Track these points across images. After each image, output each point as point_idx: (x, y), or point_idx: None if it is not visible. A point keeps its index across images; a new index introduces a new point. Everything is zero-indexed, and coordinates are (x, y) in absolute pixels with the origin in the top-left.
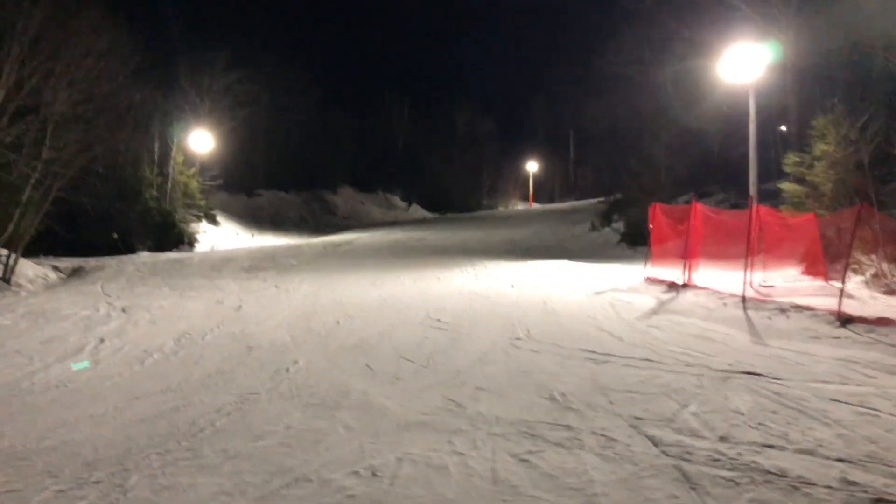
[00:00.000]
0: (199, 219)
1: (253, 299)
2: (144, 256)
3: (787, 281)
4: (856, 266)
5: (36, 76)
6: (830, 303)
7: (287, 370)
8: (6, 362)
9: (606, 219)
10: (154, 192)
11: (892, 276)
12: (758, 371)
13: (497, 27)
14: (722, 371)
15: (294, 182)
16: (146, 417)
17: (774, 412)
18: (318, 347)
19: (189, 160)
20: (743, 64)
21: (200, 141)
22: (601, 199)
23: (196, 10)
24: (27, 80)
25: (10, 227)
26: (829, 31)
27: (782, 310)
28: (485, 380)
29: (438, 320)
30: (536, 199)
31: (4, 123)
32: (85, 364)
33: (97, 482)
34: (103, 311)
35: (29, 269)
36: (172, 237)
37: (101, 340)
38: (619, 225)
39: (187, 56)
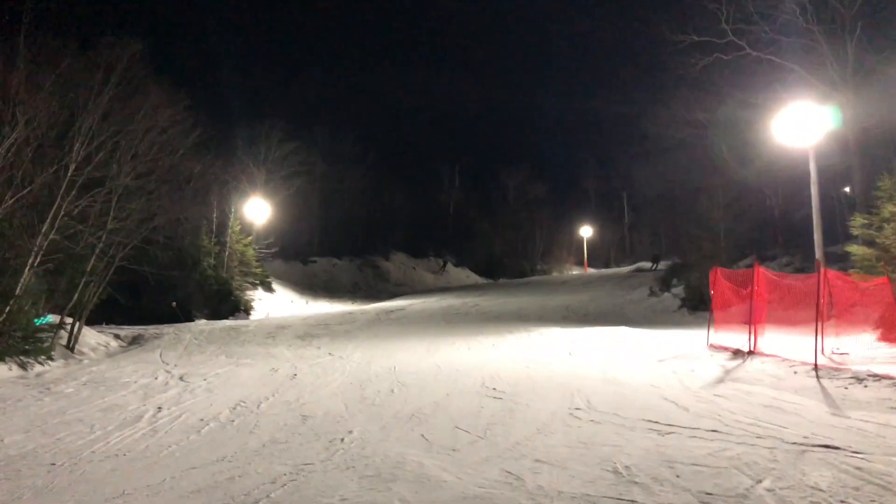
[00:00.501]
0: (254, 286)
1: (307, 367)
2: (201, 324)
3: (862, 348)
4: None
5: (103, 151)
6: None
7: (342, 440)
8: (68, 430)
9: (665, 283)
10: (212, 261)
11: None
12: (836, 444)
13: (548, 92)
14: (797, 444)
15: (347, 249)
16: (202, 488)
17: (857, 489)
18: (373, 417)
19: (245, 228)
20: (801, 126)
21: (256, 210)
22: (652, 264)
23: (254, 83)
24: (95, 154)
25: (76, 296)
26: (889, 90)
27: (859, 378)
28: (544, 452)
29: (495, 389)
30: (591, 264)
31: (73, 196)
32: None
33: None
34: (161, 378)
35: (91, 338)
36: (229, 305)
37: (159, 408)
38: (679, 290)
39: (245, 128)
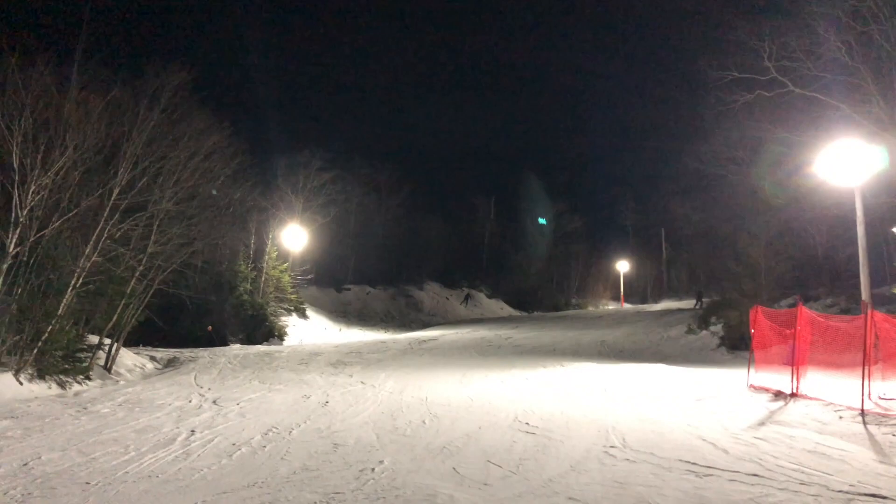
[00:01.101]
0: (288, 312)
1: (339, 395)
2: (236, 349)
3: None
4: None
5: (147, 176)
6: None
7: (372, 469)
8: (103, 450)
9: (704, 321)
10: (248, 286)
11: None
12: (884, 494)
13: (587, 125)
14: (843, 492)
15: (381, 278)
16: None
17: None
18: (404, 447)
19: (282, 255)
20: (848, 165)
21: (293, 237)
22: (693, 303)
23: (295, 112)
24: (139, 179)
25: (114, 318)
26: None
27: None
28: (578, 490)
29: (528, 423)
30: (628, 300)
31: (116, 219)
32: None
33: None
34: (195, 402)
35: (128, 359)
36: (263, 330)
37: (192, 432)
38: (718, 328)
39: (285, 156)
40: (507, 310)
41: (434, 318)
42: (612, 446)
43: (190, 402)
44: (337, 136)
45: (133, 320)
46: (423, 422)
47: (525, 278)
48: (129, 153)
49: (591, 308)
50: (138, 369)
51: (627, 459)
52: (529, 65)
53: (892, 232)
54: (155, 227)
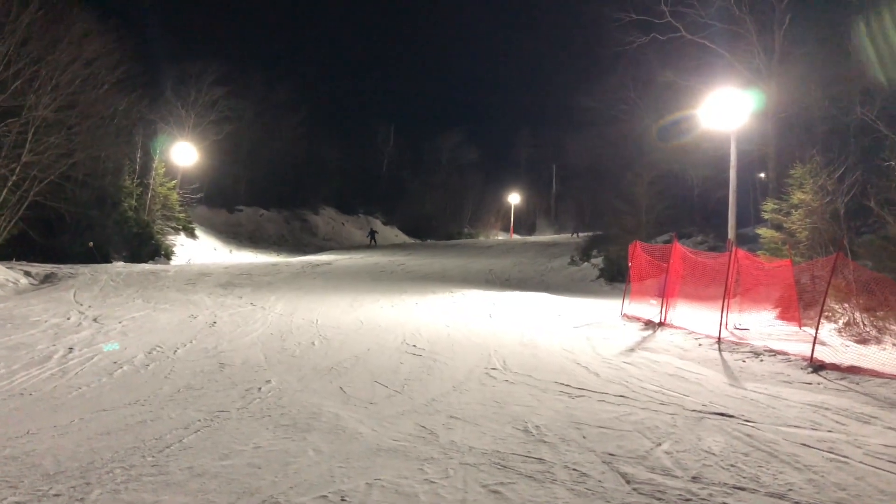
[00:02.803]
0: (176, 231)
1: (227, 316)
2: (119, 266)
3: (761, 325)
4: (829, 314)
5: (21, 79)
6: (803, 348)
7: (259, 389)
8: None
9: (585, 254)
10: (133, 203)
11: (864, 325)
12: (731, 413)
13: (486, 56)
14: (695, 411)
15: (275, 200)
16: (112, 430)
17: (746, 454)
18: (292, 368)
19: (170, 172)
20: (725, 111)
21: (183, 153)
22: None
23: (187, 22)
24: (11, 81)
25: None
26: (809, 83)
27: (756, 353)
28: (459, 409)
29: (415, 346)
30: (517, 231)
31: None
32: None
33: (57, 495)
34: (74, 319)
35: (0, 273)
36: (149, 249)
37: (70, 349)
38: (598, 260)
39: (175, 67)
40: (402, 237)
41: (329, 244)
42: (493, 368)
43: (68, 319)
44: (233, 50)
45: (5, 232)
46: (313, 343)
47: (421, 206)
48: (0, 52)
49: (482, 238)
50: (11, 284)
51: (507, 381)
52: None
53: (760, 178)
54: (30, 135)
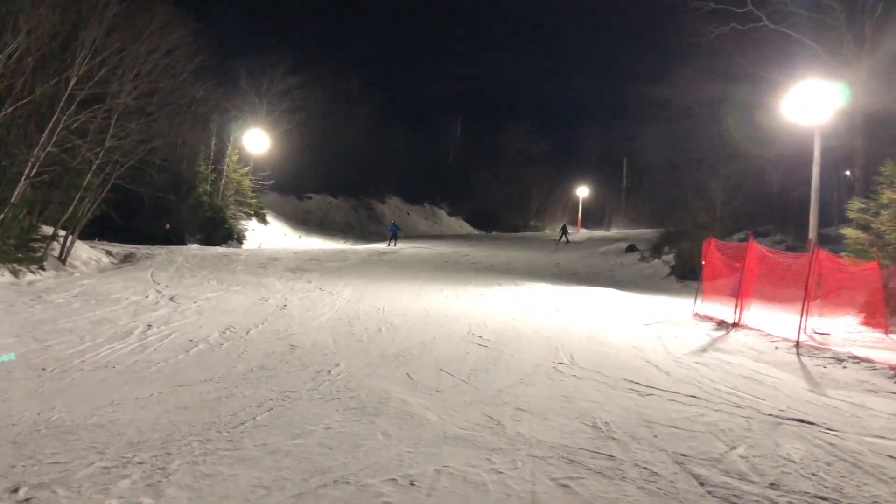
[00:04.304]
0: (248, 216)
1: (297, 299)
2: (194, 249)
3: (844, 330)
4: None
5: (106, 67)
6: (890, 356)
7: (328, 372)
8: (58, 339)
9: (657, 250)
10: (207, 188)
11: None
12: (811, 420)
13: (557, 49)
14: (772, 416)
15: (344, 188)
16: (189, 405)
17: (829, 464)
18: (360, 353)
19: (243, 159)
20: (810, 104)
21: (256, 141)
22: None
23: (263, 13)
24: (97, 70)
25: (70, 210)
26: None
27: (838, 359)
28: (526, 401)
29: (481, 337)
30: (585, 225)
31: (73, 110)
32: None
33: (140, 463)
34: (152, 297)
35: (83, 252)
36: (222, 232)
37: (149, 326)
38: (670, 257)
39: (250, 57)
40: (467, 228)
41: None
42: (560, 363)
43: (147, 297)
44: (306, 42)
45: (89, 213)
46: (380, 329)
47: (487, 198)
48: (88, 41)
49: (548, 231)
50: (94, 262)
51: (574, 376)
52: None
53: (846, 175)
54: (113, 121)
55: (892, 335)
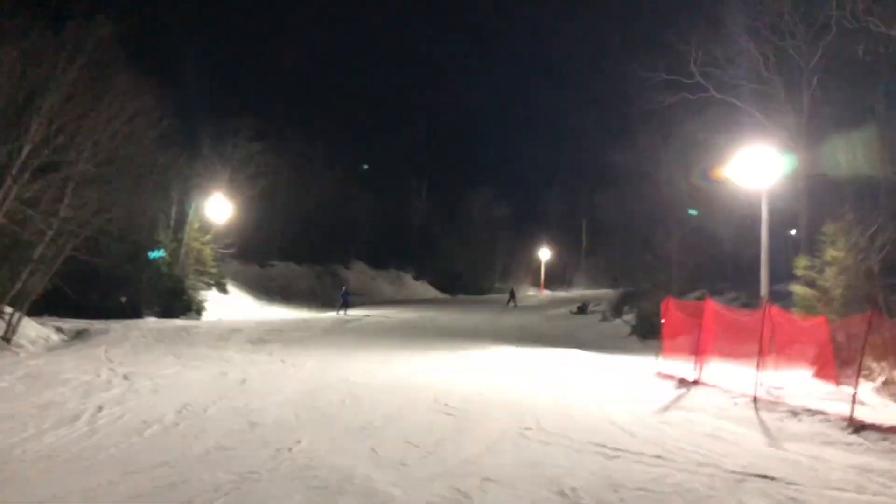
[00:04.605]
0: (208, 286)
1: (258, 373)
2: (151, 322)
3: (798, 383)
4: (866, 372)
5: (63, 134)
6: (842, 408)
7: (290, 449)
8: None
9: (617, 310)
10: (167, 258)
11: None
12: (772, 475)
13: (516, 114)
14: (735, 473)
15: (307, 255)
16: (141, 493)
17: None
18: (323, 427)
19: (205, 227)
20: (756, 170)
21: (218, 208)
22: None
23: (226, 79)
24: (54, 137)
25: (18, 285)
26: (838, 143)
27: (794, 413)
28: (493, 470)
29: (447, 405)
30: (548, 286)
31: (26, 179)
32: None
33: None
34: (104, 376)
35: (31, 330)
36: (181, 304)
37: (100, 408)
38: (631, 317)
39: (213, 123)
40: (433, 292)
41: (359, 299)
42: (527, 428)
43: (99, 376)
44: (270, 108)
45: (40, 288)
46: (343, 402)
47: (452, 262)
48: (45, 108)
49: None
50: (42, 341)
51: (541, 441)
52: (469, 57)
53: (792, 234)
54: (69, 190)
55: (842, 387)
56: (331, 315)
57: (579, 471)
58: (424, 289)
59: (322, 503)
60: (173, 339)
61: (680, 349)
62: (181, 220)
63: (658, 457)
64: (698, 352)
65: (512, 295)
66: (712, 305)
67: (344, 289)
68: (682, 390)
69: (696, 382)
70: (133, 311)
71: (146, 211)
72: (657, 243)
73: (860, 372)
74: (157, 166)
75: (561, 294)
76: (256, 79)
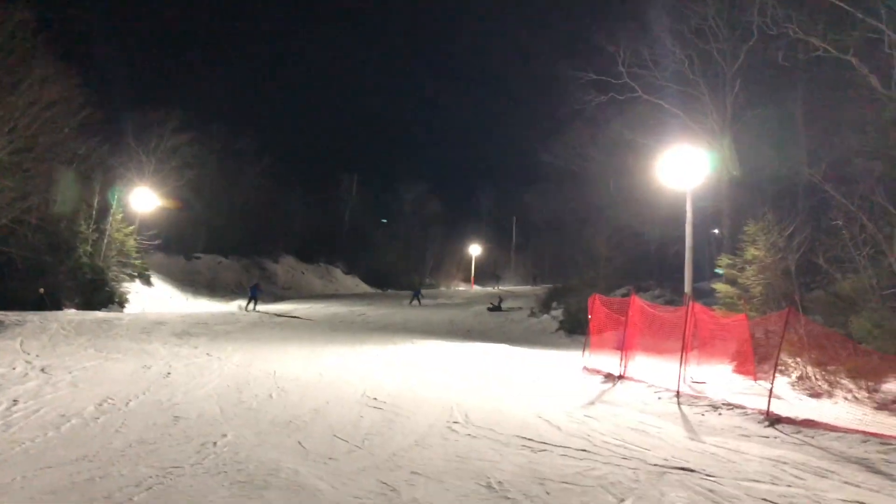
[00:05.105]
0: (132, 279)
1: (182, 366)
2: (71, 314)
3: (718, 378)
4: (783, 367)
5: None
6: (759, 402)
7: (214, 444)
8: None
9: (545, 306)
10: (88, 248)
11: (816, 379)
12: (692, 467)
13: (448, 110)
14: (658, 466)
15: (235, 248)
16: (57, 489)
17: None
18: (249, 422)
19: (128, 218)
20: (682, 170)
21: (142, 199)
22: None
23: (151, 69)
24: None
25: None
26: (760, 144)
27: (714, 407)
28: (421, 464)
29: (376, 398)
30: (478, 282)
31: None
32: None
33: None
34: (20, 369)
35: None
36: (102, 296)
37: (15, 401)
38: (558, 313)
39: (138, 113)
40: (363, 287)
41: (288, 292)
42: (455, 422)
43: (14, 369)
44: (197, 99)
45: None
46: (270, 396)
47: (383, 257)
48: None
49: (443, 288)
50: None
51: (469, 435)
52: (402, 48)
53: (715, 233)
54: None
55: (760, 381)
56: (259, 308)
57: (506, 464)
58: (355, 283)
59: (247, 498)
60: (94, 331)
61: (606, 344)
62: (104, 211)
63: (583, 450)
64: (624, 347)
65: (417, 292)
66: (638, 302)
67: (255, 283)
68: (608, 385)
69: (621, 377)
70: (52, 303)
71: (67, 201)
72: (585, 241)
73: (777, 367)
74: (78, 156)
75: (492, 290)
76: (183, 70)
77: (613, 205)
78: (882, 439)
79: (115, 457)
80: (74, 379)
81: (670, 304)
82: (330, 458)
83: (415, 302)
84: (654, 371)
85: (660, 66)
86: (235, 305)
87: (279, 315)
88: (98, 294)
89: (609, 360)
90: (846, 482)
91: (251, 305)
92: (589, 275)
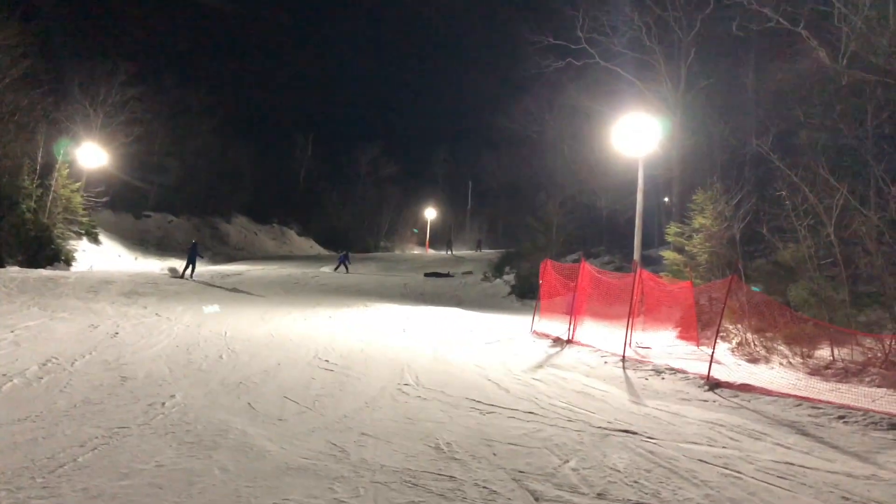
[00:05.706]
0: (79, 236)
1: (130, 326)
2: (13, 272)
3: (663, 344)
4: (724, 334)
5: None
6: (701, 367)
7: (163, 404)
8: None
9: (498, 270)
10: (32, 204)
11: (755, 345)
12: (634, 430)
13: (405, 71)
14: (601, 428)
15: (186, 206)
16: None
17: (648, 471)
18: (199, 382)
19: (75, 174)
20: (635, 137)
21: (89, 155)
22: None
23: (98, 19)
24: None
25: None
26: (711, 114)
27: (658, 371)
28: (371, 425)
29: (327, 361)
30: (432, 246)
31: None
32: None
33: None
34: None
35: None
36: (48, 253)
37: None
38: (511, 277)
39: (84, 65)
40: (317, 248)
41: (241, 253)
42: (406, 384)
43: None
44: (147, 51)
45: None
46: (221, 357)
47: (337, 219)
48: None
49: (398, 252)
50: None
51: (419, 397)
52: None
53: (665, 202)
54: None
55: (702, 347)
56: (210, 268)
57: (454, 426)
58: (309, 245)
59: (195, 457)
60: (39, 289)
61: (556, 309)
62: (49, 166)
63: (531, 412)
64: (573, 312)
65: (344, 258)
66: (587, 268)
67: (193, 242)
68: (557, 349)
69: (569, 341)
70: None
71: (9, 154)
72: (538, 206)
73: (718, 334)
74: (21, 108)
75: (446, 254)
76: (134, 21)
77: (567, 171)
78: (813, 403)
79: (59, 417)
80: (17, 338)
81: (620, 270)
82: (279, 420)
83: (341, 268)
84: (602, 336)
85: (617, 33)
86: (162, 267)
87: (230, 276)
88: (43, 251)
89: (558, 325)
90: (778, 444)
91: (188, 271)
92: (541, 240)
